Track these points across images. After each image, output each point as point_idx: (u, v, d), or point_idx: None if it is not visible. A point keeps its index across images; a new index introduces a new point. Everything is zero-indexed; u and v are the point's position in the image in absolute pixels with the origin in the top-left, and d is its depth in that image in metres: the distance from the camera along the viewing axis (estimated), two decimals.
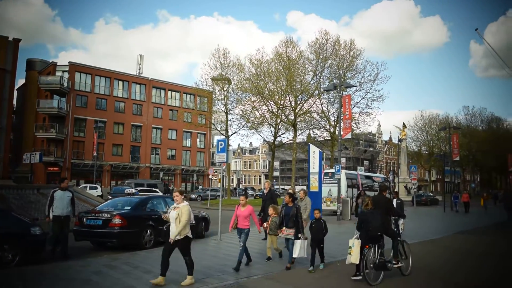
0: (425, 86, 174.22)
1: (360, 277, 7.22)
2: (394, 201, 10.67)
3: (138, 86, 52.44)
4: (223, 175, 28.03)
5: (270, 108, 34.82)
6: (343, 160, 65.65)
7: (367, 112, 33.67)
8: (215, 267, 8.29)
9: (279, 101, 33.86)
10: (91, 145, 43.15)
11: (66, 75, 45.74)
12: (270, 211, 8.85)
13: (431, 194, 48.44)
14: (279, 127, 36.07)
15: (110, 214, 10.40)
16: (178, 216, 6.66)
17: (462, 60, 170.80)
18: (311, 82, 34.33)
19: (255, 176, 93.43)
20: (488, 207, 29.68)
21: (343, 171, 25.54)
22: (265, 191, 12.10)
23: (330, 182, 24.38)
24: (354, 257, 7.09)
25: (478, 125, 70.42)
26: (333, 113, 34.04)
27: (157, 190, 34.03)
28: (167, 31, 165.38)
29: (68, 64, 46.73)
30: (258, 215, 10.86)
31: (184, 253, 6.85)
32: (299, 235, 8.00)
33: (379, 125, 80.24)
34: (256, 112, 35.76)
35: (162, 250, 6.92)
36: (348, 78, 32.31)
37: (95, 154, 39.19)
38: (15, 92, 45.05)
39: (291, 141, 36.95)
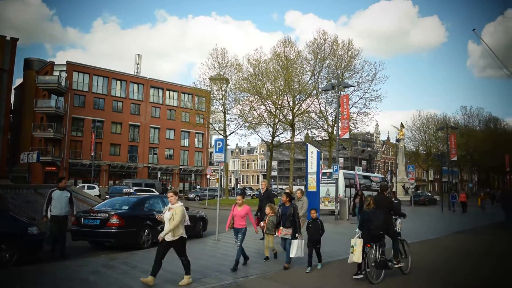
0: (423, 86, 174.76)
1: (361, 276, 7.27)
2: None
3: (136, 85, 52.37)
4: (221, 175, 28.05)
5: (268, 108, 34.84)
6: (341, 160, 65.58)
7: (365, 112, 33.73)
8: (213, 266, 8.29)
9: (277, 101, 33.87)
10: (89, 145, 43.10)
11: (64, 74, 45.65)
12: (267, 210, 8.85)
13: (430, 194, 48.50)
14: (277, 127, 36.08)
15: (108, 214, 10.38)
16: (171, 216, 6.60)
17: (460, 60, 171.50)
18: (309, 82, 34.35)
19: (253, 176, 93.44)
20: (485, 207, 29.74)
21: (341, 171, 25.58)
22: (262, 191, 12.11)
23: (328, 182, 24.42)
24: (356, 256, 7.12)
25: (476, 125, 70.57)
26: (331, 113, 34.11)
27: (153, 190, 33.87)
28: (165, 30, 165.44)
29: (66, 63, 46.60)
30: (255, 215, 10.84)
31: (179, 253, 6.82)
32: (297, 235, 8.00)
33: (377, 125, 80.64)
34: (254, 112, 35.76)
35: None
36: (346, 78, 32.33)
37: (93, 154, 39.14)
38: (13, 92, 44.97)
39: (289, 141, 36.95)
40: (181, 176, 56.31)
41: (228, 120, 37.23)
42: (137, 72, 54.85)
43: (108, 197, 24.49)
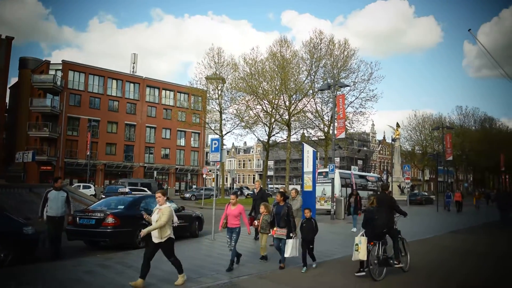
0: (419, 86, 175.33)
1: (363, 273, 7.33)
2: None
3: (132, 85, 52.25)
4: (217, 175, 28.06)
5: (264, 108, 34.88)
6: (337, 159, 65.94)
7: (361, 111, 33.84)
8: (209, 266, 8.30)
9: (273, 101, 33.90)
10: (84, 144, 42.90)
11: (59, 73, 45.43)
12: (262, 209, 8.84)
13: (426, 194, 48.73)
14: (273, 126, 36.14)
15: (103, 214, 10.36)
16: (159, 218, 6.52)
17: (455, 60, 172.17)
18: (305, 82, 34.44)
19: (249, 175, 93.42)
20: (480, 206, 29.89)
21: (337, 171, 25.62)
22: (255, 191, 12.11)
23: (324, 181, 24.46)
24: (362, 254, 7.19)
25: (471, 125, 71.03)
26: (327, 112, 34.16)
27: (146, 189, 33.68)
28: (161, 30, 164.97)
29: (61, 62, 46.39)
30: (249, 214, 10.83)
31: (167, 255, 6.74)
32: (291, 234, 7.98)
33: (373, 124, 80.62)
34: (250, 112, 35.82)
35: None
36: (342, 78, 32.44)
37: (88, 153, 38.98)
38: (8, 91, 44.85)
39: (285, 141, 37.00)
40: (177, 175, 56.25)
41: (224, 119, 37.29)
42: (133, 71, 54.68)
43: (103, 196, 24.41)
